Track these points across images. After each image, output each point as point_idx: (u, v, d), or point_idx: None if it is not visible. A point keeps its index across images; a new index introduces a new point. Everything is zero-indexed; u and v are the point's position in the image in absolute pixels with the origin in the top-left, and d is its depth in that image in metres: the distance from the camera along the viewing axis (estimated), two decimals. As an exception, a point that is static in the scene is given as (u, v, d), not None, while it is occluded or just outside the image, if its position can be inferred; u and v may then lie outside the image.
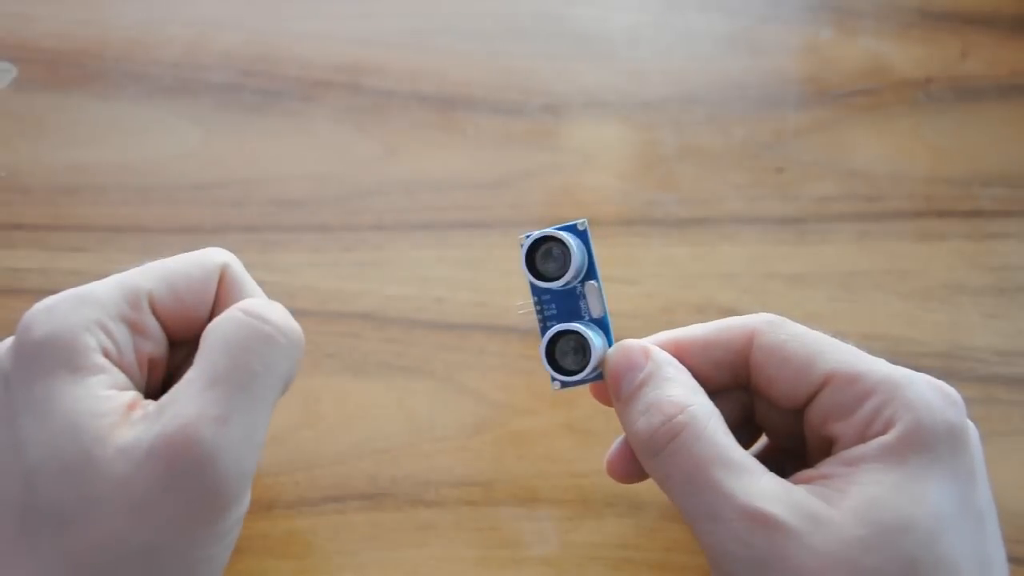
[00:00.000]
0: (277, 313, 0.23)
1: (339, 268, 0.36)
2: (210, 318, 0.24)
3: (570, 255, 0.23)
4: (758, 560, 0.20)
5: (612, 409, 0.25)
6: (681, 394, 0.22)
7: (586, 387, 0.26)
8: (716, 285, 0.36)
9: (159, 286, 0.23)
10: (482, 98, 0.39)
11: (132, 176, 0.37)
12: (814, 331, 0.23)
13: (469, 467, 0.33)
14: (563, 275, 0.23)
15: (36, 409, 0.20)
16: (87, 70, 0.39)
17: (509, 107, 0.39)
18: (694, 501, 0.21)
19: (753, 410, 0.25)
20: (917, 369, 0.22)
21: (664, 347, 0.24)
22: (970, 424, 0.22)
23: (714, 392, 0.24)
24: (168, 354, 0.24)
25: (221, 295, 0.24)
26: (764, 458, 0.22)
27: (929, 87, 0.40)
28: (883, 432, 0.21)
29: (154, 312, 0.23)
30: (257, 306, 0.22)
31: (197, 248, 0.25)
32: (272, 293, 0.26)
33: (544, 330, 0.24)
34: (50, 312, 0.21)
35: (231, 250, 0.26)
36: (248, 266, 0.26)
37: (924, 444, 0.20)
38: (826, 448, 0.23)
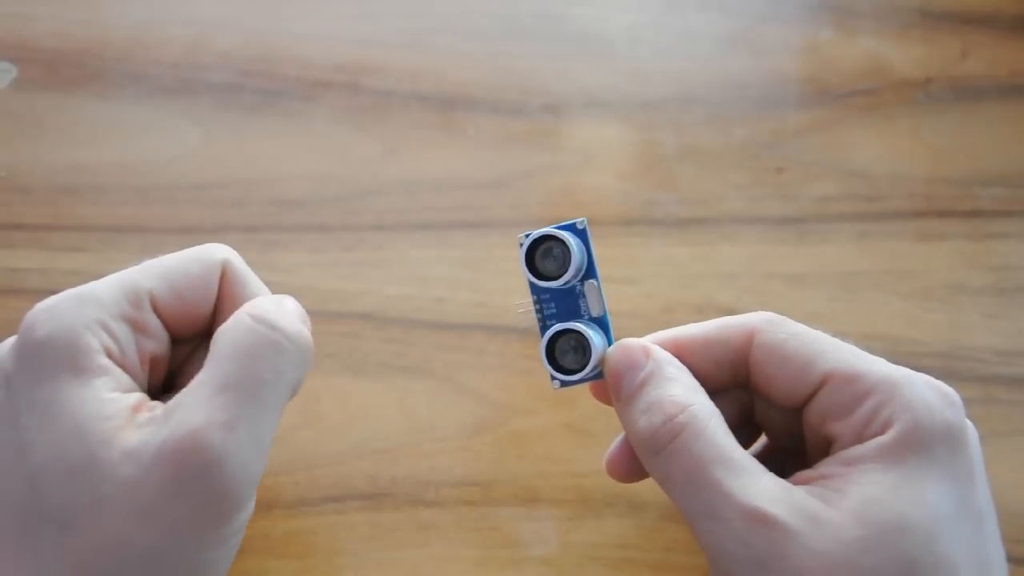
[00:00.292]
0: (287, 319, 0.22)
1: (339, 268, 0.36)
2: (213, 314, 0.24)
3: (570, 254, 0.23)
4: (757, 560, 0.20)
5: (612, 409, 0.25)
6: (682, 393, 0.22)
7: (586, 387, 0.26)
8: (716, 285, 0.36)
9: (160, 284, 0.23)
10: (482, 98, 0.39)
11: (132, 176, 0.37)
12: (814, 330, 0.23)
13: (469, 467, 0.33)
14: (563, 274, 0.23)
15: (40, 411, 0.20)
16: (87, 70, 0.39)
17: (509, 107, 0.39)
18: (694, 501, 0.21)
19: (753, 409, 0.25)
20: (917, 369, 0.22)
21: (664, 346, 0.24)
22: (969, 424, 0.22)
23: (714, 391, 0.24)
24: (170, 352, 0.24)
25: (224, 291, 0.24)
26: (764, 458, 0.22)
27: (929, 87, 0.40)
28: (881, 432, 0.21)
29: (155, 310, 0.23)
30: (267, 312, 0.22)
31: (197, 248, 0.25)
32: (272, 293, 0.26)
33: (544, 329, 0.24)
34: (52, 312, 0.21)
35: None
36: (248, 266, 0.26)
37: (922, 445, 0.20)
38: (825, 448, 0.23)
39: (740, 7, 0.41)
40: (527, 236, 0.24)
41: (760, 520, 0.20)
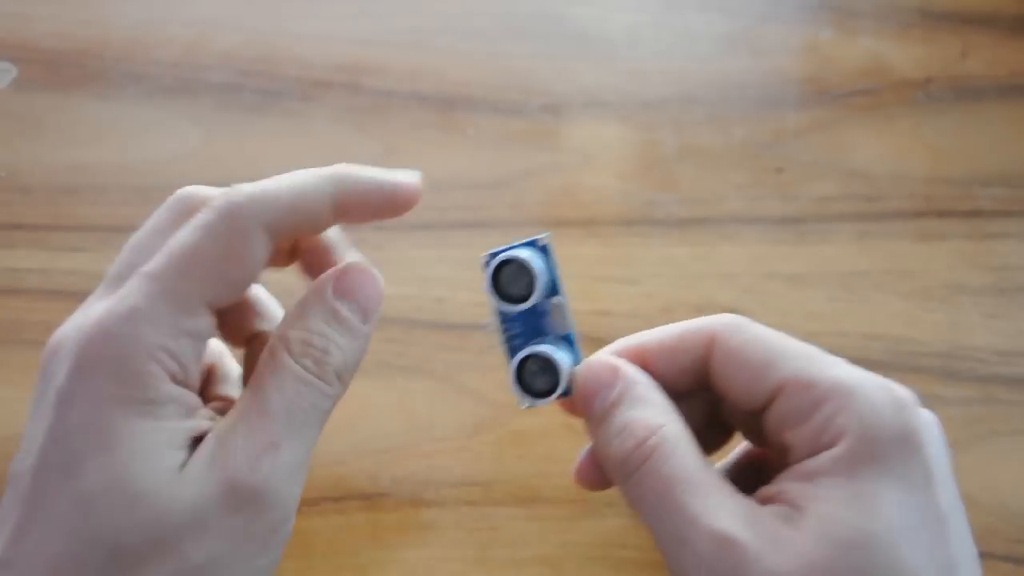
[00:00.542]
0: (326, 367, 0.23)
1: (339, 268, 0.36)
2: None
3: (534, 277, 0.23)
4: None
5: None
6: (652, 416, 0.22)
7: None
8: (716, 285, 0.36)
9: (208, 288, 0.22)
10: (482, 98, 0.39)
11: (132, 176, 0.37)
12: (775, 333, 0.23)
13: (469, 467, 0.33)
14: (528, 297, 0.23)
15: (99, 439, 0.20)
16: (87, 70, 0.39)
17: (509, 107, 0.39)
18: (663, 525, 0.21)
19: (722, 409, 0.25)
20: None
21: (629, 356, 0.24)
22: (925, 423, 0.21)
23: (682, 394, 0.24)
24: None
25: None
26: (742, 464, 0.22)
27: (929, 87, 0.40)
28: (833, 443, 0.21)
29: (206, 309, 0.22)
30: (309, 351, 0.22)
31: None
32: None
33: (511, 351, 0.24)
34: (111, 339, 0.21)
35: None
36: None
37: (872, 456, 0.20)
38: (785, 455, 0.22)
39: (740, 7, 0.41)
40: (490, 257, 0.23)
41: (724, 544, 0.20)
